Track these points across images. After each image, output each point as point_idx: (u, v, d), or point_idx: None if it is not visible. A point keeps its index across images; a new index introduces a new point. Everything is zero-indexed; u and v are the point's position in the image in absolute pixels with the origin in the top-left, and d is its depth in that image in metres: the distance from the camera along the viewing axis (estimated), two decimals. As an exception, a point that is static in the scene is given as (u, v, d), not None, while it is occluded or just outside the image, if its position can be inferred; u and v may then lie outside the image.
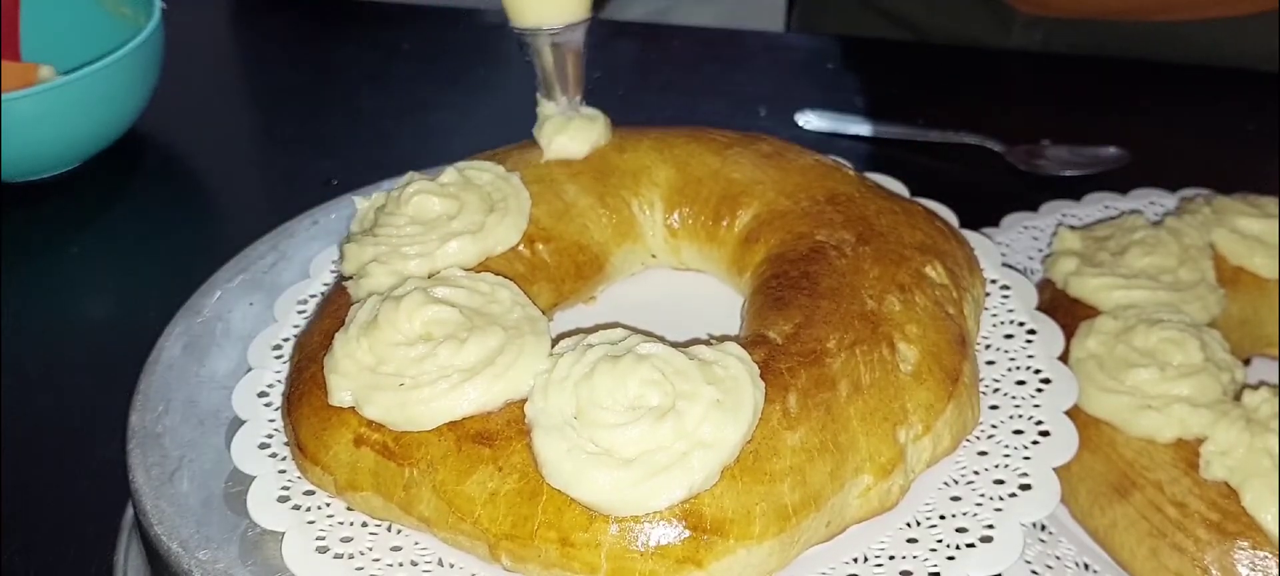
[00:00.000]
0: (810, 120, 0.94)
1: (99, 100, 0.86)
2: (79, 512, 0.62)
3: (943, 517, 0.47)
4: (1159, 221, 0.65)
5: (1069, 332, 0.56)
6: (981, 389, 0.52)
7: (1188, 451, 0.51)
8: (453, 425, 0.46)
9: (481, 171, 0.58)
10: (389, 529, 0.47)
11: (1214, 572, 0.49)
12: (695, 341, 0.49)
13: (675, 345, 0.47)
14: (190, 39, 1.06)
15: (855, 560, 0.45)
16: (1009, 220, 0.71)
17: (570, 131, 0.60)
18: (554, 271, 0.57)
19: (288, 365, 0.54)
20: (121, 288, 0.82)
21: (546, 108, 0.61)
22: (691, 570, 0.43)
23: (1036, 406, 0.51)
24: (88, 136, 0.89)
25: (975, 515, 0.46)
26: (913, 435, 0.47)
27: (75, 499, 0.63)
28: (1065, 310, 0.59)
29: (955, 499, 0.47)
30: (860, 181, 0.60)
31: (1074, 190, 0.75)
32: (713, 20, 1.35)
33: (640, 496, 0.42)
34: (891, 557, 0.45)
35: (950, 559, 0.44)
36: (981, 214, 0.68)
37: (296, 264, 0.63)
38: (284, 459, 0.50)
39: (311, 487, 0.48)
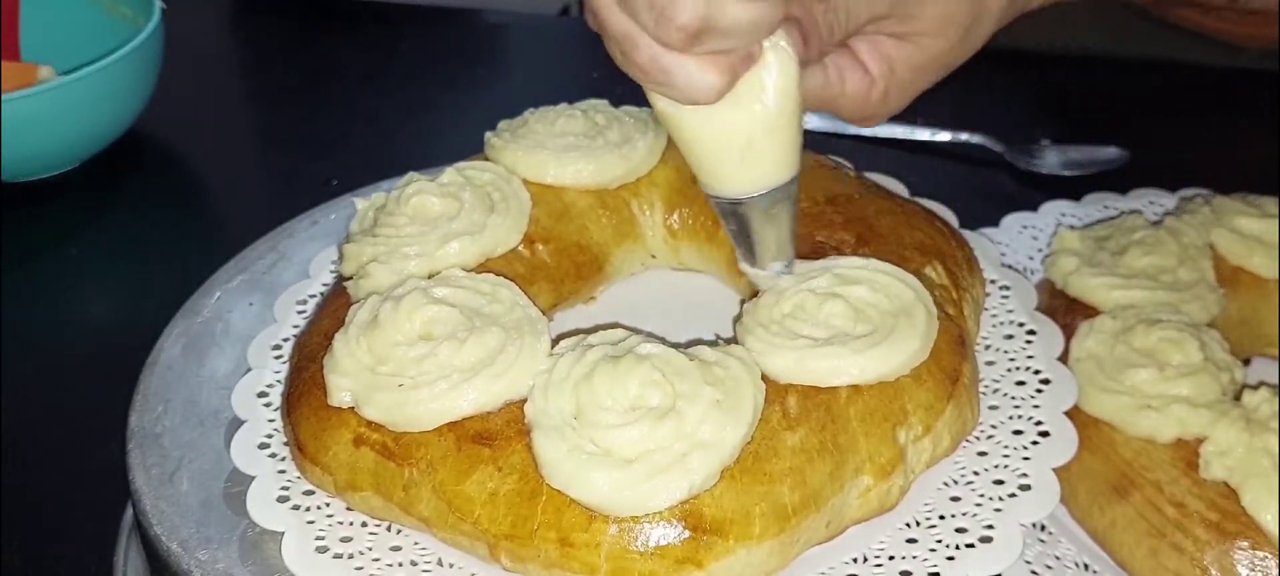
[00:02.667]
0: (810, 120, 0.94)
1: (98, 100, 0.86)
2: (79, 513, 0.62)
3: (942, 518, 0.47)
4: (1158, 221, 0.65)
5: (1068, 333, 0.56)
6: (981, 389, 0.52)
7: (1187, 451, 0.51)
8: (452, 425, 0.46)
9: (482, 171, 0.58)
10: (388, 529, 0.47)
11: (1213, 572, 0.49)
12: (696, 342, 0.49)
13: (676, 346, 0.47)
14: (189, 39, 1.06)
15: (855, 560, 0.45)
16: (1008, 220, 0.71)
17: None
18: (554, 271, 0.57)
19: (287, 365, 0.54)
20: (121, 288, 0.82)
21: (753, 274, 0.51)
22: (691, 570, 0.43)
23: (1036, 407, 0.51)
24: (87, 137, 0.89)
25: (975, 515, 0.46)
26: (912, 436, 0.47)
27: (75, 499, 0.63)
28: (1065, 310, 0.59)
29: (955, 499, 0.47)
30: (860, 181, 0.60)
31: (1073, 190, 0.75)
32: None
33: (640, 497, 0.42)
34: (891, 558, 0.45)
35: (950, 559, 0.44)
36: (981, 214, 0.68)
37: (296, 264, 0.63)
38: (283, 459, 0.50)
39: (311, 488, 0.48)
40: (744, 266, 0.50)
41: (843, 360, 0.46)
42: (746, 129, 0.44)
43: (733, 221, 0.48)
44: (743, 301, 0.55)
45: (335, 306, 0.53)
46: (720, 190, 0.47)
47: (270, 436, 0.51)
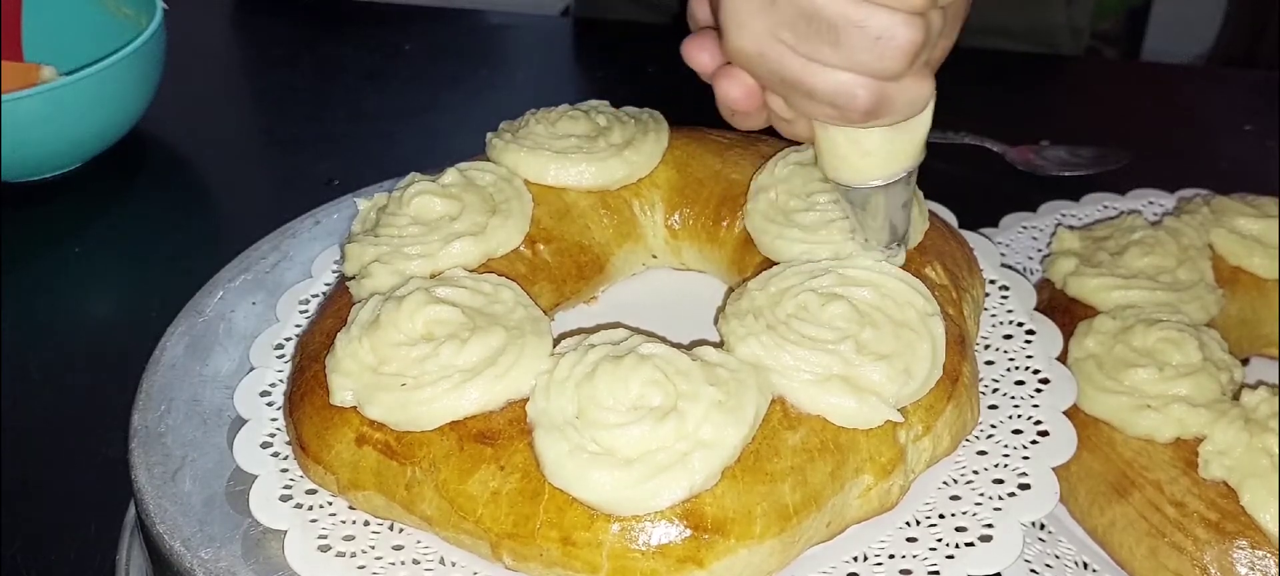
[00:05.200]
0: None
1: (101, 100, 0.87)
2: (81, 511, 0.62)
3: (942, 517, 0.47)
4: (1157, 221, 0.65)
5: (1068, 333, 0.57)
6: (981, 389, 0.52)
7: (1186, 451, 0.51)
8: (455, 424, 0.46)
9: (483, 172, 0.58)
10: (391, 528, 0.47)
11: (1213, 572, 0.49)
12: (699, 342, 0.49)
13: (677, 346, 0.47)
14: (192, 39, 1.06)
15: (855, 559, 0.46)
16: (1008, 220, 0.71)
17: None
18: (555, 271, 0.57)
19: (290, 364, 0.54)
20: (124, 287, 0.83)
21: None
22: (692, 569, 0.43)
23: (1035, 406, 0.51)
24: (90, 136, 0.89)
25: (975, 514, 0.46)
26: (913, 435, 0.47)
27: (77, 498, 0.63)
28: (1064, 310, 0.59)
29: (955, 498, 0.48)
30: (860, 182, 0.60)
31: (1073, 190, 0.75)
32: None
33: (641, 496, 0.42)
34: (891, 556, 0.45)
35: (950, 558, 0.45)
36: (981, 214, 0.68)
37: (298, 264, 0.63)
38: (286, 458, 0.50)
39: (314, 486, 0.49)
40: (870, 249, 0.51)
41: (846, 398, 0.46)
42: (924, 123, 0.47)
43: (872, 203, 0.49)
44: (727, 291, 0.56)
45: (338, 306, 0.53)
46: (875, 178, 0.48)
47: (273, 435, 0.51)
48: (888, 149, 0.47)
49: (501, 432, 0.45)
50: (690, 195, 0.61)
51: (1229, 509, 0.49)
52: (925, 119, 0.47)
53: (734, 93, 0.47)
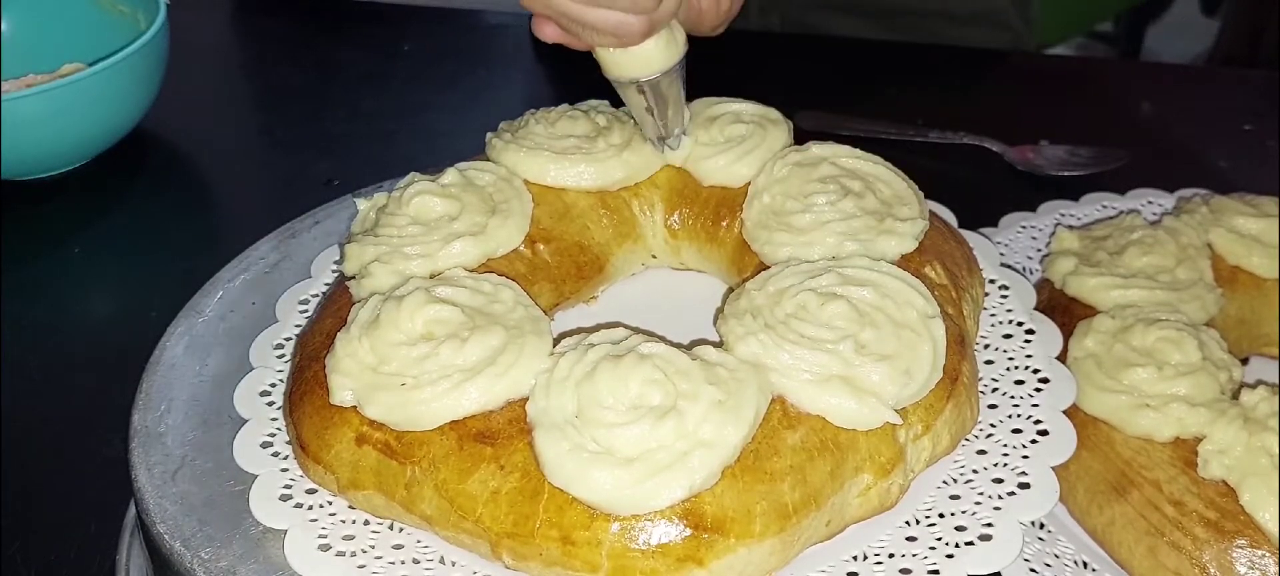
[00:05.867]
0: (810, 120, 0.94)
1: (102, 100, 0.87)
2: (81, 511, 0.62)
3: (942, 516, 0.47)
4: (1157, 221, 0.65)
5: (1067, 332, 0.57)
6: (980, 388, 0.52)
7: (1186, 450, 0.51)
8: (454, 424, 0.46)
9: (483, 172, 0.58)
10: (391, 527, 0.48)
11: (1212, 571, 0.49)
12: (699, 341, 0.49)
13: (677, 346, 0.47)
14: (192, 39, 1.06)
15: (855, 558, 0.46)
16: (1007, 220, 0.71)
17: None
18: (555, 271, 0.57)
19: (290, 364, 0.54)
20: (124, 286, 0.83)
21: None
22: (692, 568, 0.43)
23: (1035, 405, 0.51)
24: (92, 135, 0.89)
25: (974, 513, 0.47)
26: (912, 434, 0.48)
27: (78, 497, 0.63)
28: (1063, 310, 0.59)
29: (954, 497, 0.48)
30: (860, 181, 0.60)
31: (1072, 190, 0.75)
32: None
33: (641, 495, 0.42)
34: (891, 555, 0.45)
35: (949, 557, 0.45)
36: (980, 214, 0.68)
37: (298, 263, 0.63)
38: (286, 458, 0.50)
39: (314, 486, 0.49)
40: (654, 142, 0.61)
41: (845, 399, 0.46)
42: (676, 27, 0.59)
43: (653, 97, 0.59)
44: (727, 291, 0.56)
45: (337, 305, 0.53)
46: (651, 72, 0.59)
47: (273, 435, 0.51)
48: (664, 47, 0.58)
49: (501, 432, 0.45)
50: (690, 195, 0.61)
51: (1228, 508, 0.49)
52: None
53: (547, 32, 0.60)
